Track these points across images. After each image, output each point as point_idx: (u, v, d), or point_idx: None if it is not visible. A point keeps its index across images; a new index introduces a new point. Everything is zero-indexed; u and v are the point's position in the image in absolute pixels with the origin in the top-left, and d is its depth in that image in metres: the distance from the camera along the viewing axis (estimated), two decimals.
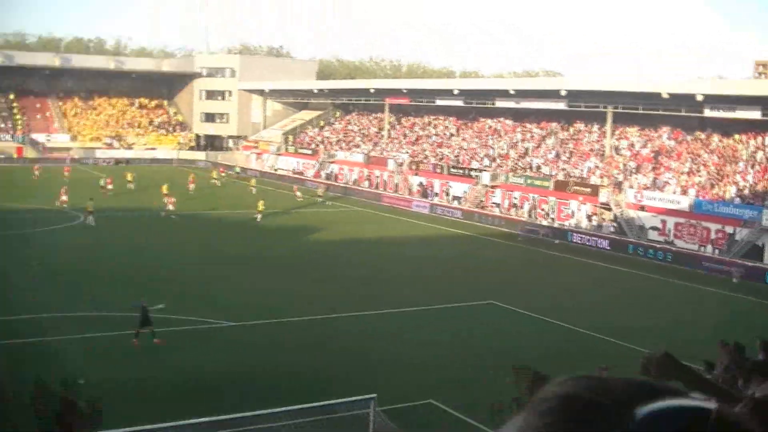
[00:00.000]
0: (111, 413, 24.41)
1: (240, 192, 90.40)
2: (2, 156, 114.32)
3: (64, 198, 71.25)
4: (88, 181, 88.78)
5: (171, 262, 50.74)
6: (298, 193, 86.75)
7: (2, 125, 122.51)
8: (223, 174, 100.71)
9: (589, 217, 69.94)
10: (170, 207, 69.55)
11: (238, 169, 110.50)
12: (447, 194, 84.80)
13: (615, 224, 66.95)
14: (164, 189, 76.66)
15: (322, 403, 23.88)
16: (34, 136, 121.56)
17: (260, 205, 71.33)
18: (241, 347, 33.70)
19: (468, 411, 25.98)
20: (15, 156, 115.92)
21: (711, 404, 1.31)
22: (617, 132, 78.94)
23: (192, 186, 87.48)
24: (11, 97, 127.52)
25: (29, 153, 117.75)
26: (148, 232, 62.57)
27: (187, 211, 71.45)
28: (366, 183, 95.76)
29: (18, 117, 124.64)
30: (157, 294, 35.96)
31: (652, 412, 1.30)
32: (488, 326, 39.14)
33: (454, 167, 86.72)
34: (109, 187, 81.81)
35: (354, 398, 24.05)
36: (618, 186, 69.91)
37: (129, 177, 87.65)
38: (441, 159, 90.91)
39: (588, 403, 1.35)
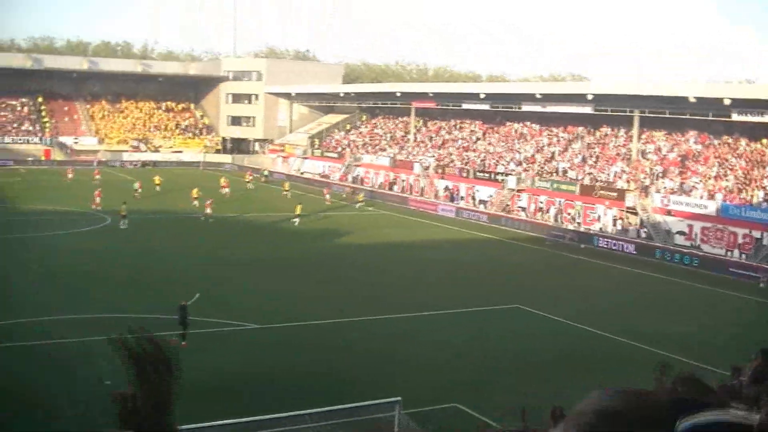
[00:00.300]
0: None
1: (270, 196, 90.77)
2: (30, 158, 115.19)
3: (98, 201, 72.05)
4: (117, 183, 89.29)
5: (195, 264, 50.91)
6: (327, 197, 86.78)
7: (30, 128, 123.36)
8: (250, 178, 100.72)
9: (614, 221, 69.73)
10: (208, 210, 69.98)
11: (267, 173, 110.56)
12: (473, 198, 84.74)
13: (645, 230, 66.66)
14: (194, 193, 77.14)
15: (346, 405, 23.88)
16: (62, 138, 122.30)
17: (298, 209, 71.61)
18: (260, 349, 33.79)
19: (493, 415, 25.91)
20: (42, 158, 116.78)
21: (753, 417, 1.27)
22: (644, 136, 78.65)
23: (227, 190, 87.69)
24: (39, 99, 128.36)
25: (57, 155, 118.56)
26: (180, 234, 63.01)
27: (223, 214, 71.78)
28: (396, 187, 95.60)
29: (46, 120, 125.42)
30: (180, 296, 35.93)
31: (695, 427, 1.25)
32: (514, 330, 39.07)
33: (480, 171, 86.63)
34: (139, 190, 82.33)
35: (379, 401, 24.05)
36: (644, 190, 69.66)
37: (157, 180, 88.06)
38: (467, 163, 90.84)
39: (629, 418, 1.29)
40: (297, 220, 70.26)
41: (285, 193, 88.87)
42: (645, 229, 66.70)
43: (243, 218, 73.14)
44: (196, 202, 75.27)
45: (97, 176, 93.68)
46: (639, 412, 1.29)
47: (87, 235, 61.14)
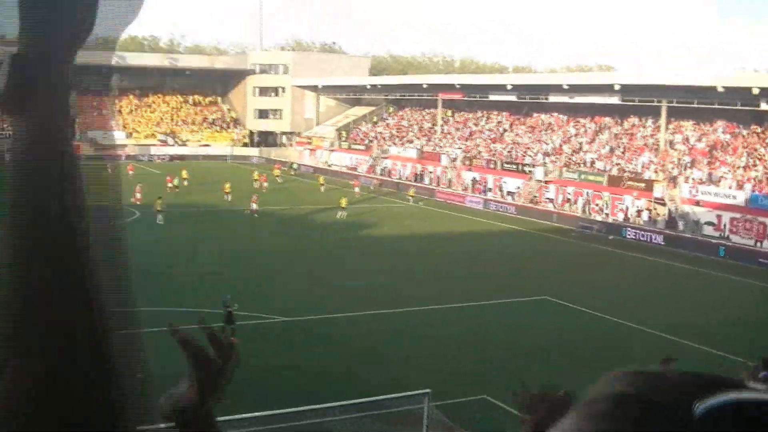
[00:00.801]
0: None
1: (300, 188, 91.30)
2: None
3: (138, 195, 72.71)
4: (148, 177, 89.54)
5: (229, 258, 51.14)
6: (357, 189, 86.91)
7: None
8: (278, 171, 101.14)
9: (638, 212, 69.42)
10: (254, 206, 70.32)
11: (296, 166, 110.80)
12: (500, 189, 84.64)
13: (682, 222, 66.24)
14: (226, 188, 77.82)
15: (375, 398, 23.90)
16: (90, 133, 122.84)
17: (343, 202, 72.10)
18: (288, 342, 33.91)
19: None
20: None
21: None
22: (671, 126, 78.32)
23: (265, 184, 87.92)
24: None
25: (85, 150, 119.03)
26: (215, 228, 63.22)
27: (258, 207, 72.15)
28: (426, 179, 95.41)
29: None
30: (217, 290, 36.14)
31: (713, 408, 1.21)
32: (542, 322, 39.00)
33: (507, 162, 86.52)
34: (169, 185, 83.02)
35: (408, 393, 24.08)
36: (672, 181, 69.41)
37: (184, 174, 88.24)
38: (494, 154, 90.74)
39: (643, 402, 1.25)
40: (343, 213, 70.73)
41: (321, 186, 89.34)
42: (682, 222, 66.25)
43: (274, 211, 73.11)
44: (228, 197, 76.01)
45: (131, 171, 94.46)
46: (655, 395, 1.26)
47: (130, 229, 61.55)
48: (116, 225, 1.75)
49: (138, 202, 71.39)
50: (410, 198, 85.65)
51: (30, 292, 1.50)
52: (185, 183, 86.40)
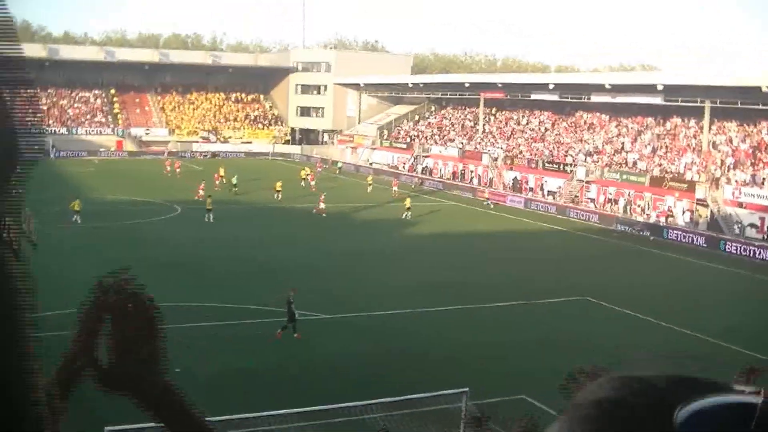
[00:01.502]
0: (207, 403, 24.85)
1: (344, 186, 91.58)
2: (102, 149, 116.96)
3: (201, 193, 73.14)
4: (199, 175, 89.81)
5: (272, 255, 51.33)
6: (395, 189, 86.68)
7: (103, 119, 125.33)
8: (319, 169, 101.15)
9: (673, 214, 68.96)
10: (322, 205, 70.36)
11: (340, 164, 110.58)
12: (542, 189, 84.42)
13: (725, 223, 65.60)
14: (277, 186, 78.17)
15: (413, 396, 23.91)
16: (133, 130, 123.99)
17: (407, 202, 72.13)
18: (326, 340, 34.02)
19: (562, 407, 25.78)
20: (114, 149, 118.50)
21: (757, 398, 1.24)
22: (715, 127, 77.68)
23: (312, 183, 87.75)
24: (112, 91, 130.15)
25: (128, 146, 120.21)
26: (262, 226, 63.55)
27: (303, 205, 72.09)
28: (475, 180, 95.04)
29: (118, 111, 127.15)
30: (272, 287, 36.21)
31: (694, 412, 1.22)
32: (582, 322, 38.88)
33: (548, 162, 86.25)
34: (217, 182, 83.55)
35: (446, 392, 24.07)
36: (715, 182, 68.89)
37: (221, 172, 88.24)
38: (535, 154, 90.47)
39: (625, 407, 1.27)
40: (408, 213, 70.60)
41: (368, 186, 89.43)
42: (725, 224, 65.58)
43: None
44: (277, 195, 76.88)
45: (178, 168, 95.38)
46: (639, 400, 1.26)
47: (161, 225, 62.06)
48: None
49: (201, 198, 71.83)
50: (487, 201, 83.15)
51: None
52: (224, 181, 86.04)
